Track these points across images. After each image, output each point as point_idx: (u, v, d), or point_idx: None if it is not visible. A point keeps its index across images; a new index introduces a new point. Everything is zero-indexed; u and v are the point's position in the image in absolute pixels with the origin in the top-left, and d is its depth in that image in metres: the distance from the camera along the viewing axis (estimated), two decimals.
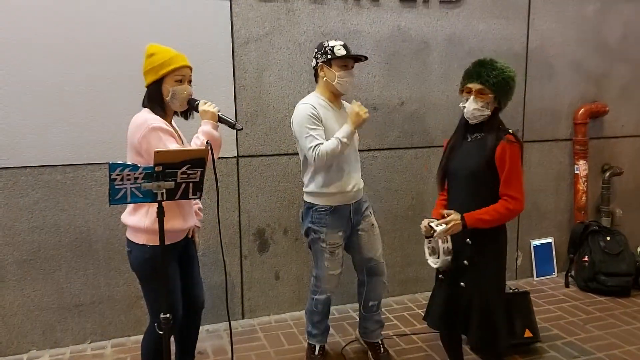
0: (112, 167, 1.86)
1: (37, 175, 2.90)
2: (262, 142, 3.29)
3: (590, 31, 3.93)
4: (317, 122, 2.54)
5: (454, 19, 3.55)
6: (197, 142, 2.15)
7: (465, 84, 2.33)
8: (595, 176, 4.10)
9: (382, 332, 2.96)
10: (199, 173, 1.99)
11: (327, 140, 2.54)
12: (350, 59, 2.60)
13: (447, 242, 2.34)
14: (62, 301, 3.04)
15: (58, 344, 3.06)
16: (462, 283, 2.39)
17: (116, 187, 1.89)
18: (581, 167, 3.97)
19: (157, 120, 2.15)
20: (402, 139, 3.59)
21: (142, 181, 1.91)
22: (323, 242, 2.68)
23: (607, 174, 4.10)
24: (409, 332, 3.24)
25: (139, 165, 1.90)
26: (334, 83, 2.59)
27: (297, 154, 3.32)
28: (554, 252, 4.07)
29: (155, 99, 2.22)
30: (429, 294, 3.74)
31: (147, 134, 2.11)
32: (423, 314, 2.64)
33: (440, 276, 2.49)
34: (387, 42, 3.43)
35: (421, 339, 3.16)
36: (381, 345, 2.91)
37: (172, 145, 2.11)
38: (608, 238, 3.83)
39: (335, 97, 2.67)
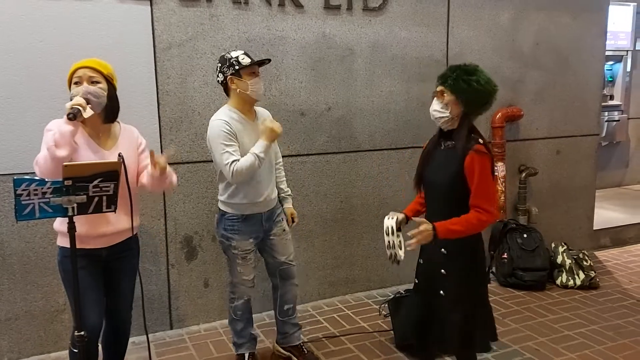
0: (17, 182, 1.80)
1: None
2: (188, 148, 3.25)
3: (505, 39, 4.13)
4: (232, 138, 2.54)
5: (377, 26, 3.64)
6: (45, 137, 2.10)
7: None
8: (513, 176, 4.33)
9: (303, 334, 3.04)
10: (112, 186, 1.96)
11: (242, 155, 2.54)
12: (256, 65, 2.61)
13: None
14: None
15: None
16: (441, 292, 2.40)
17: (23, 202, 1.83)
18: (499, 169, 4.17)
19: (51, 123, 2.17)
20: (329, 143, 3.65)
21: (51, 196, 1.86)
22: (235, 249, 2.72)
23: (524, 174, 4.34)
24: (338, 334, 3.30)
25: (46, 180, 1.84)
26: (247, 92, 2.59)
27: None
28: None
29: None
30: (359, 295, 3.90)
31: None
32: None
33: (416, 280, 2.51)
34: (313, 48, 3.47)
35: (350, 339, 3.22)
36: (303, 347, 2.97)
37: (46, 146, 2.07)
38: (525, 235, 4.05)
39: (249, 106, 2.68)
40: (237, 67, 2.56)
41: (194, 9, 3.13)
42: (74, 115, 2.04)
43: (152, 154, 2.24)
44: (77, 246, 1.97)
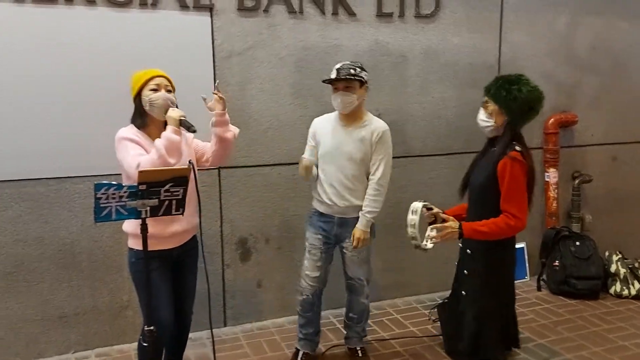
0: (98, 186, 1.93)
1: (21, 188, 2.93)
2: (245, 153, 3.36)
3: (560, 43, 4.07)
4: (311, 139, 2.87)
5: (429, 33, 3.66)
6: (156, 144, 2.22)
7: None
8: (566, 183, 4.26)
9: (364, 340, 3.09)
10: (181, 190, 2.08)
11: (319, 148, 2.79)
12: (339, 81, 2.68)
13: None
14: (46, 313, 3.07)
15: (42, 355, 3.08)
16: (463, 292, 2.47)
17: (101, 205, 1.96)
18: (552, 175, 4.11)
19: (125, 131, 2.31)
20: None
21: (127, 199, 1.99)
22: (306, 240, 2.89)
23: (577, 181, 4.26)
24: (387, 337, 3.34)
25: (123, 185, 1.97)
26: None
27: (278, 164, 3.44)
28: (526, 257, 4.21)
29: (137, 112, 2.36)
30: (408, 299, 3.93)
31: (116, 145, 2.29)
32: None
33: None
34: (367, 55, 3.52)
35: (399, 344, 3.26)
36: (359, 351, 3.03)
37: (134, 152, 2.22)
38: (578, 243, 3.98)
39: (351, 114, 2.77)
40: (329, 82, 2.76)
41: (253, 19, 3.24)
42: (193, 129, 2.28)
43: (204, 100, 2.44)
44: (152, 248, 2.11)
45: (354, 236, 2.77)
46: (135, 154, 2.21)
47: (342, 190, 2.76)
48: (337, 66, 2.71)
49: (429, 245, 2.45)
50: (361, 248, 2.79)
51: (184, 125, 2.26)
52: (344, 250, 2.86)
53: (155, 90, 2.31)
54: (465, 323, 2.57)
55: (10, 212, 2.93)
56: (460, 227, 2.37)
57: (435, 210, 2.54)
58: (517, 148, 2.37)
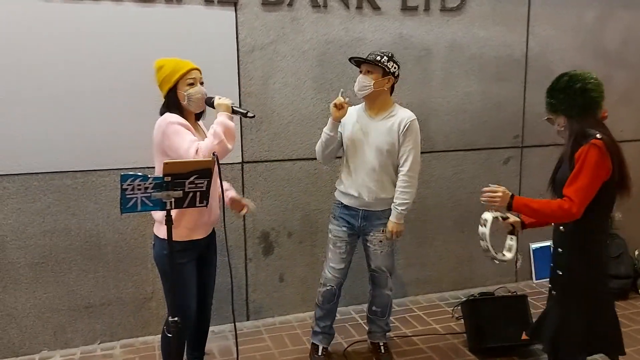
0: (124, 177, 1.94)
1: (49, 180, 2.99)
2: (267, 147, 3.37)
3: (590, 37, 3.98)
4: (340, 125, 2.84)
5: (454, 26, 3.62)
6: (213, 131, 2.22)
7: None
8: None
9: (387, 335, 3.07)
10: (205, 182, 2.08)
11: (342, 138, 2.80)
12: (363, 64, 2.71)
13: (512, 240, 2.40)
14: (72, 303, 3.13)
15: (68, 344, 3.15)
16: (553, 292, 2.40)
17: (127, 196, 1.97)
18: None
19: (174, 116, 2.27)
20: None
21: (152, 191, 2.00)
22: (330, 232, 2.87)
23: None
24: (410, 334, 3.31)
25: (148, 176, 1.98)
26: None
27: (300, 159, 3.44)
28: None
29: (173, 105, 2.33)
30: (430, 296, 3.89)
31: (165, 129, 2.24)
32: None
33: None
34: (390, 48, 3.44)
35: (422, 340, 3.23)
36: (382, 347, 3.01)
37: (189, 137, 2.21)
38: (607, 241, 3.88)
39: (368, 102, 2.77)
40: None
41: (276, 13, 3.24)
42: (251, 114, 2.35)
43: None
44: (186, 238, 2.17)
45: (387, 229, 2.75)
46: (193, 139, 2.21)
47: (369, 183, 2.73)
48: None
49: (508, 255, 2.40)
50: (395, 240, 2.80)
51: (238, 112, 2.29)
52: (368, 244, 2.84)
53: (192, 84, 2.30)
54: (549, 318, 2.48)
55: (39, 204, 2.99)
56: (512, 196, 2.33)
57: (513, 219, 2.49)
58: (598, 136, 2.28)
